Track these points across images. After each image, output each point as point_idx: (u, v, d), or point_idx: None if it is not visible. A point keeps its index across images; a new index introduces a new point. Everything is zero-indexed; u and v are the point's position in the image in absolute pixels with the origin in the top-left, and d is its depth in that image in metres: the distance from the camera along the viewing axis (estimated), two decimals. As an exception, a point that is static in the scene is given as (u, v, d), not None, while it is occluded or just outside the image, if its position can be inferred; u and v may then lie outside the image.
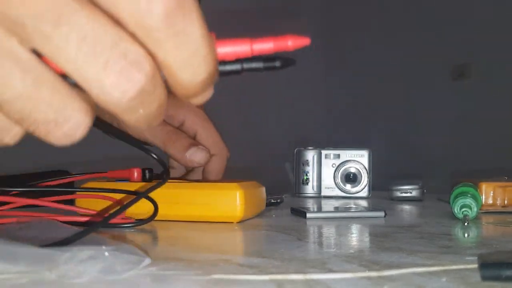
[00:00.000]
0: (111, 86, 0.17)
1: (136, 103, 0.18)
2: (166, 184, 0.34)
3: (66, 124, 0.18)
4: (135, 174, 0.40)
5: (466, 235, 0.34)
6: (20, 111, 0.17)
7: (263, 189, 0.44)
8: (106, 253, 0.21)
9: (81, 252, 0.20)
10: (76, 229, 0.29)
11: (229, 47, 0.22)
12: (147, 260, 0.22)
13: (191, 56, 0.19)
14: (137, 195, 0.34)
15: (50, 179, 0.40)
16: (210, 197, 0.38)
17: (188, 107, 0.42)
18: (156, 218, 0.35)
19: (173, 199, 0.38)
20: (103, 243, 0.22)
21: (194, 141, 0.41)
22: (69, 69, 0.17)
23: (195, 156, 0.40)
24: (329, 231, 0.37)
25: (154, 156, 0.35)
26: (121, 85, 0.17)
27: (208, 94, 0.21)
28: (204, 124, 0.43)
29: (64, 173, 0.46)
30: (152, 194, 0.34)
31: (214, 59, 0.20)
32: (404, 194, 0.62)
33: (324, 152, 0.71)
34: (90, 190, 0.39)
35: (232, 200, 0.37)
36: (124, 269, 0.21)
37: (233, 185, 0.38)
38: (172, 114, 0.42)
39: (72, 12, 0.16)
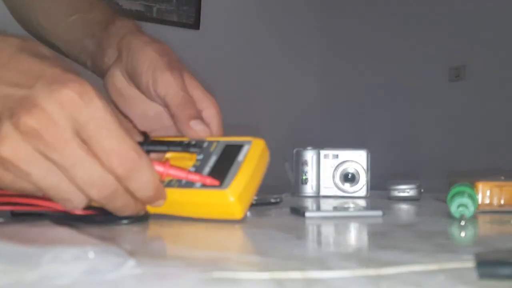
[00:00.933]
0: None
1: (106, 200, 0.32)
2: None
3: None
4: None
5: (463, 234, 0.34)
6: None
7: (265, 160, 0.39)
8: (91, 254, 0.20)
9: (65, 253, 0.20)
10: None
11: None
12: (132, 262, 0.21)
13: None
14: None
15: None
16: (208, 207, 0.36)
17: (204, 93, 0.43)
18: (155, 212, 0.36)
19: (172, 199, 0.36)
20: (89, 243, 0.21)
21: (201, 115, 0.41)
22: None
23: (197, 127, 0.40)
24: (327, 230, 0.37)
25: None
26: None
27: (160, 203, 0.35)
28: (216, 108, 0.43)
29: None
30: None
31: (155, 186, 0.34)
32: (401, 194, 0.62)
33: (322, 152, 0.71)
34: None
35: (228, 207, 0.35)
36: (108, 270, 0.20)
37: (226, 192, 0.34)
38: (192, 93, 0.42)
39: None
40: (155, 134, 0.43)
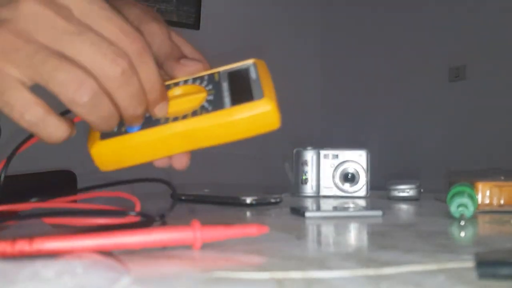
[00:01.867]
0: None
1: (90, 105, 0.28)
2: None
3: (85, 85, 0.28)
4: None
5: (462, 234, 0.34)
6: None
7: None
8: (79, 269, 0.18)
9: (46, 269, 0.17)
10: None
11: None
12: (126, 278, 0.19)
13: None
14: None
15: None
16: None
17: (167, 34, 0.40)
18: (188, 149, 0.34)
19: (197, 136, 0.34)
20: (77, 257, 0.19)
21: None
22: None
23: (188, 63, 0.38)
24: (327, 230, 0.37)
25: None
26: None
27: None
28: (207, 64, 0.40)
29: (67, 173, 0.46)
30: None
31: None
32: (401, 194, 0.62)
33: (322, 152, 0.71)
34: (91, 188, 0.39)
35: (268, 116, 0.34)
36: (99, 287, 0.17)
37: (264, 100, 0.34)
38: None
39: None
40: None
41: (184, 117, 0.34)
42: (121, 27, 0.29)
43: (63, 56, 0.28)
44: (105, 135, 0.34)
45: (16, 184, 0.41)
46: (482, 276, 0.20)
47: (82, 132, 0.43)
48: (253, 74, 0.36)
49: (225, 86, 0.36)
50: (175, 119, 0.34)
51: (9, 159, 0.34)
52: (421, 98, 2.44)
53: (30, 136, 0.34)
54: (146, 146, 0.34)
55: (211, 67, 0.40)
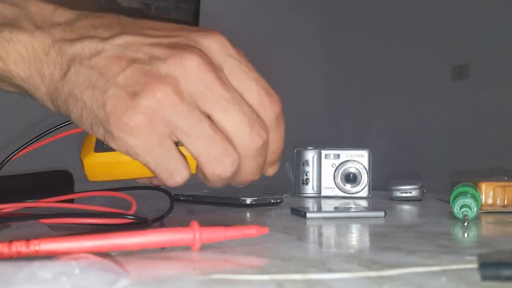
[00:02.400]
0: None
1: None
2: None
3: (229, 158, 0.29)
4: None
5: (465, 235, 0.34)
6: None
7: None
8: (76, 270, 0.17)
9: (43, 270, 0.17)
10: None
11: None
12: (124, 279, 0.18)
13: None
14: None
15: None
16: None
17: None
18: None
19: None
20: (75, 258, 0.19)
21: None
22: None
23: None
24: (328, 231, 0.37)
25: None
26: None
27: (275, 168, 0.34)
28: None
29: (64, 173, 0.46)
30: None
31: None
32: (404, 194, 0.62)
33: (324, 152, 0.71)
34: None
35: None
36: None
37: None
38: None
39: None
40: None
41: (177, 143, 0.36)
42: (266, 88, 0.30)
43: (211, 121, 0.28)
44: (99, 149, 0.36)
45: (12, 184, 0.41)
46: (485, 277, 0.20)
47: (81, 134, 0.43)
48: None
49: None
50: None
51: (1, 165, 0.35)
52: (424, 97, 2.43)
53: (23, 146, 0.35)
54: (136, 164, 0.36)
55: None
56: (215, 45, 0.29)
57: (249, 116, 0.29)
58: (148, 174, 0.36)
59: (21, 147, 0.38)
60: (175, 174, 0.29)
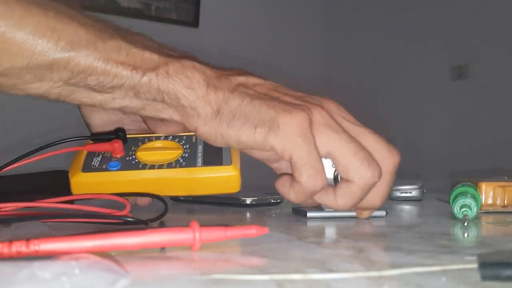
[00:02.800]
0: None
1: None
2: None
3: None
4: (116, 146, 0.41)
5: (465, 235, 0.34)
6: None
7: None
8: (76, 270, 0.17)
9: (43, 270, 0.17)
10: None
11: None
12: (124, 279, 0.18)
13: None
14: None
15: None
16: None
17: None
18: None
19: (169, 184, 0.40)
20: (75, 258, 0.19)
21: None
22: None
23: (171, 125, 0.44)
24: (329, 231, 0.37)
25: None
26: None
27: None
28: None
29: (63, 173, 0.46)
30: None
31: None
32: (404, 194, 0.62)
33: (324, 152, 0.71)
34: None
35: (231, 180, 0.40)
36: None
37: (230, 167, 0.40)
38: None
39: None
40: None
41: (160, 167, 0.40)
42: (385, 140, 0.38)
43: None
44: (87, 169, 0.39)
45: (10, 184, 0.41)
46: (485, 277, 0.20)
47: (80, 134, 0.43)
48: None
49: (200, 148, 0.42)
50: (152, 166, 0.40)
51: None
52: (424, 96, 2.43)
53: (20, 158, 0.38)
54: (121, 184, 0.39)
55: None
56: (333, 106, 0.37)
57: (366, 158, 0.35)
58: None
59: (19, 157, 0.40)
60: (318, 175, 0.35)
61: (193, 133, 0.42)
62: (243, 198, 0.52)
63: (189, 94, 0.34)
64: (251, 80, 0.37)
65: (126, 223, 0.33)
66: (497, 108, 2.13)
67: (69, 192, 0.40)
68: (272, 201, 0.54)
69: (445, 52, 2.34)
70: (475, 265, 0.22)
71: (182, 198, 0.59)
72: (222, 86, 0.35)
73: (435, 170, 2.21)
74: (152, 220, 0.35)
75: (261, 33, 2.79)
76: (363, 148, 0.35)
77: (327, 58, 2.97)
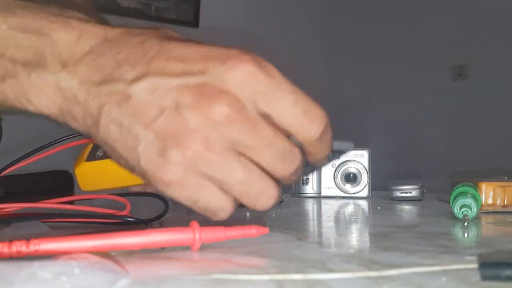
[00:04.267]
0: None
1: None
2: None
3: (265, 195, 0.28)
4: None
5: (465, 235, 0.34)
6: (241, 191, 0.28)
7: None
8: (76, 270, 0.17)
9: (44, 270, 0.17)
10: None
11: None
12: (124, 279, 0.18)
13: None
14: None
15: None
16: None
17: None
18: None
19: None
20: (75, 258, 0.19)
21: None
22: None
23: None
24: (328, 231, 0.37)
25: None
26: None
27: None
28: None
29: (63, 173, 0.46)
30: None
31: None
32: (404, 194, 0.62)
33: (324, 152, 0.71)
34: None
35: None
36: None
37: None
38: None
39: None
40: None
41: None
42: (304, 110, 0.28)
43: (247, 159, 0.28)
44: (91, 158, 0.38)
45: (11, 184, 0.41)
46: (485, 277, 0.20)
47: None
48: None
49: None
50: None
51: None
52: (424, 96, 2.43)
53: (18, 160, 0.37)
54: (126, 173, 0.36)
55: None
56: (244, 80, 0.27)
57: (281, 153, 0.28)
58: (139, 181, 0.37)
59: (21, 157, 0.39)
60: (217, 212, 0.29)
61: None
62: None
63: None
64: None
65: (126, 223, 0.33)
66: (497, 108, 2.13)
67: (71, 192, 0.40)
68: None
69: (445, 52, 2.34)
70: (475, 265, 0.22)
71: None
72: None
73: (435, 170, 2.21)
74: (152, 220, 0.35)
75: (260, 33, 2.79)
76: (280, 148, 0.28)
77: (326, 57, 2.97)
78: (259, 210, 0.29)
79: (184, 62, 0.28)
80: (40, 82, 0.28)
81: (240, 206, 0.29)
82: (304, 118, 0.28)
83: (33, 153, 0.39)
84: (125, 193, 0.41)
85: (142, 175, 0.28)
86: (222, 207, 0.28)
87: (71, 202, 0.39)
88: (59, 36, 0.29)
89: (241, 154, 0.27)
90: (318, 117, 0.29)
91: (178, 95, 0.27)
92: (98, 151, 0.38)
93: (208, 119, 0.26)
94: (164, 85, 0.27)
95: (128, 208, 0.37)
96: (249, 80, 0.27)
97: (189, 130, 0.26)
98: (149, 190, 0.40)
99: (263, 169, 0.28)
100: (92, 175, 0.37)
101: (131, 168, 0.28)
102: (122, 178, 0.37)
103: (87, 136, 0.31)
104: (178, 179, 0.27)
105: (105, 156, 0.37)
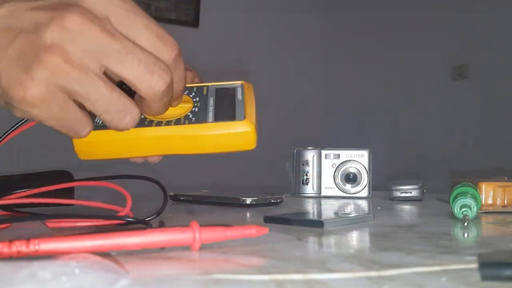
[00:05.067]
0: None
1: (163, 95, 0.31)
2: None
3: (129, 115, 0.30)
4: None
5: (465, 235, 0.34)
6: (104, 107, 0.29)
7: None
8: (76, 270, 0.17)
9: (44, 270, 0.17)
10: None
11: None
12: (124, 279, 0.18)
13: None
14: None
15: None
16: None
17: None
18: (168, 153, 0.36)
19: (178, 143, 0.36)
20: (75, 258, 0.19)
21: None
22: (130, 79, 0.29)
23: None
24: (329, 231, 0.37)
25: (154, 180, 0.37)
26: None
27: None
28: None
29: (64, 173, 0.46)
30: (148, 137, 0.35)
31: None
32: (404, 194, 0.62)
33: (324, 152, 0.71)
34: (88, 179, 0.39)
35: (245, 136, 0.36)
36: None
37: (244, 122, 0.36)
38: None
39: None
40: None
41: (168, 123, 0.36)
42: (158, 34, 0.30)
43: (108, 79, 0.29)
44: None
45: (11, 184, 0.41)
46: (485, 277, 0.20)
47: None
48: (239, 95, 0.39)
49: (211, 101, 0.38)
50: (159, 123, 0.36)
51: None
52: (424, 97, 2.43)
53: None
54: (125, 143, 0.35)
55: (203, 81, 0.42)
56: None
57: (145, 62, 0.29)
58: (139, 153, 0.36)
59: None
60: (80, 131, 0.31)
61: (204, 84, 0.40)
62: (243, 198, 0.52)
63: None
64: None
65: (127, 223, 0.33)
66: (497, 108, 2.13)
67: (71, 193, 0.40)
68: (272, 201, 0.54)
69: (445, 52, 2.34)
70: (475, 265, 0.22)
71: (182, 198, 0.59)
72: None
73: (435, 170, 2.21)
74: (152, 217, 0.35)
75: (261, 33, 2.79)
76: (141, 57, 0.29)
77: (327, 58, 2.97)
78: (121, 129, 0.31)
79: None
80: None
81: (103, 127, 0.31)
82: (158, 41, 0.30)
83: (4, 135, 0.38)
84: (124, 175, 0.40)
85: (5, 99, 0.28)
86: (84, 125, 0.30)
87: (70, 189, 0.39)
88: None
89: (104, 68, 0.28)
90: (171, 42, 0.31)
91: (34, 16, 0.28)
92: (97, 119, 0.36)
93: (62, 30, 0.27)
94: (20, 9, 0.28)
95: (129, 205, 0.37)
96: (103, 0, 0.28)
97: (47, 45, 0.27)
98: (151, 160, 0.39)
99: (129, 82, 0.29)
100: (91, 144, 0.36)
101: None
102: (122, 150, 0.36)
103: None
104: (43, 97, 0.28)
105: (105, 126, 0.35)
